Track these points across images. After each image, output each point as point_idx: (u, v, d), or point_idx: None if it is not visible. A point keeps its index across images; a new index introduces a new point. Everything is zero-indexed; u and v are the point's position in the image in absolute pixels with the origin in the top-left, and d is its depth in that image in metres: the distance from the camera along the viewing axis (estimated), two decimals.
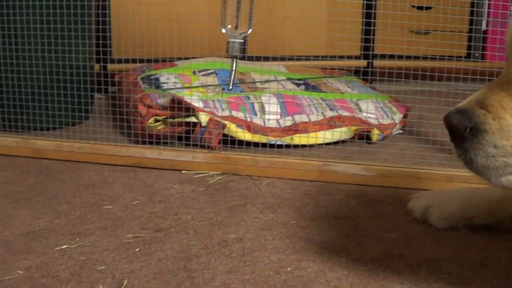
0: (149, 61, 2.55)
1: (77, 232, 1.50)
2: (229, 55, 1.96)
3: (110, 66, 2.78)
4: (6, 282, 1.29)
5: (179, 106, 2.02)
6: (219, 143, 1.97)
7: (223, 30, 1.96)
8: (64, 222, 1.56)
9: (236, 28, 1.95)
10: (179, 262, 1.35)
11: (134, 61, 2.12)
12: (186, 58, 2.61)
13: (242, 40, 1.95)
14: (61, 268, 1.34)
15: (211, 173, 1.88)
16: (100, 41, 2.35)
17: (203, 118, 1.99)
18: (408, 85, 2.05)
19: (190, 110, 2.02)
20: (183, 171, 1.90)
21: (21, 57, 2.18)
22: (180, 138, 2.09)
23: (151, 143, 1.98)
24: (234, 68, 1.97)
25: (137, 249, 1.41)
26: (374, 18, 2.70)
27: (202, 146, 1.97)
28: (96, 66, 2.67)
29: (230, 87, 1.99)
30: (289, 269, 1.32)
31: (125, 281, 1.28)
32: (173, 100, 2.04)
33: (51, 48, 2.19)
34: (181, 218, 1.58)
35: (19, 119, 2.18)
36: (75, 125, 2.31)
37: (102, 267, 1.34)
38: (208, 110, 2.05)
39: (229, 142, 1.98)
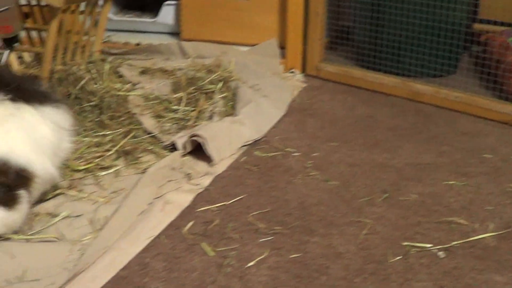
0: None
1: (461, 173, 1.63)
2: None
3: (476, 26, 2.85)
4: (401, 203, 1.46)
5: None
6: None
7: None
8: (448, 161, 1.70)
9: None
10: None
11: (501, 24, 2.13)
12: None
13: None
14: (451, 201, 1.48)
15: None
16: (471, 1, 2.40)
17: None
18: None
19: None
20: None
21: (405, 12, 2.31)
22: None
23: None
24: None
25: None
26: None
27: None
28: None
29: None
30: None
31: None
32: None
33: (435, 3, 2.29)
34: None
35: (400, 61, 2.33)
36: (446, 76, 2.41)
37: (489, 207, 1.46)
38: None
39: None
